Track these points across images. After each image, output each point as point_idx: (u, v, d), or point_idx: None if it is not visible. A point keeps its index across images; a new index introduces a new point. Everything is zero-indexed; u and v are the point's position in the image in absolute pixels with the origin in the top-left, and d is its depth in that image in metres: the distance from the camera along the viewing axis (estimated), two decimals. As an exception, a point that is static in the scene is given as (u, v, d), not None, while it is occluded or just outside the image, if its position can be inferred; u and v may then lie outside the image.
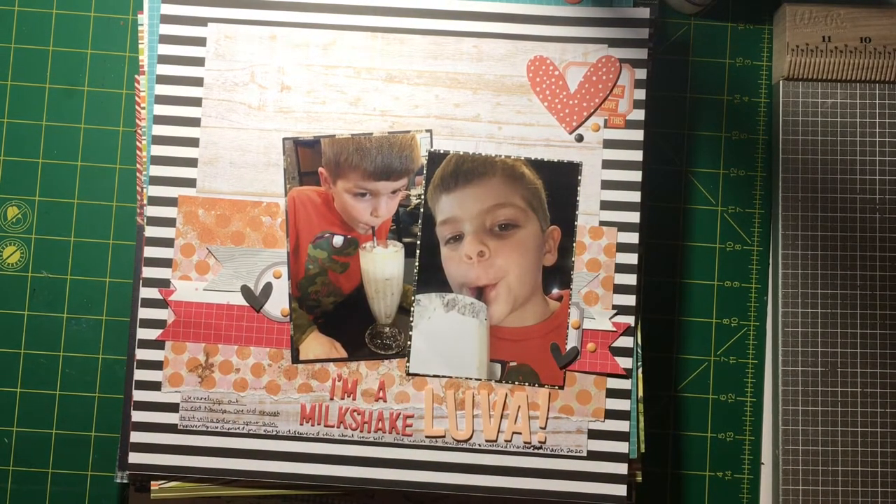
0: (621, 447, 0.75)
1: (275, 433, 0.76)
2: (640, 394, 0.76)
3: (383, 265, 0.77)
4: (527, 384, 0.76)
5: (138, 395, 0.76)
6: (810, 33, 0.79)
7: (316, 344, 0.76)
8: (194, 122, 0.77)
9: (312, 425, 0.76)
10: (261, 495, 0.76)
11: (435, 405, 0.76)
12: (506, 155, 0.77)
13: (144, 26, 0.78)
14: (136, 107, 0.79)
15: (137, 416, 0.76)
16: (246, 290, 0.76)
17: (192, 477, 0.76)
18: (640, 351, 0.76)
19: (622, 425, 0.75)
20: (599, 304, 0.76)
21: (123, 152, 0.81)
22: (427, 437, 0.76)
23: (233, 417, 0.76)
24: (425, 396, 0.76)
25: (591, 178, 0.77)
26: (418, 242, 0.77)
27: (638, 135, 0.77)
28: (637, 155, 0.77)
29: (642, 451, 0.76)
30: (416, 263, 0.76)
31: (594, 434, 0.76)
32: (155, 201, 0.77)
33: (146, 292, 0.76)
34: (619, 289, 0.76)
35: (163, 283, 0.76)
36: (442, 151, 0.77)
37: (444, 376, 0.76)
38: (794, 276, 0.78)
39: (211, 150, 0.77)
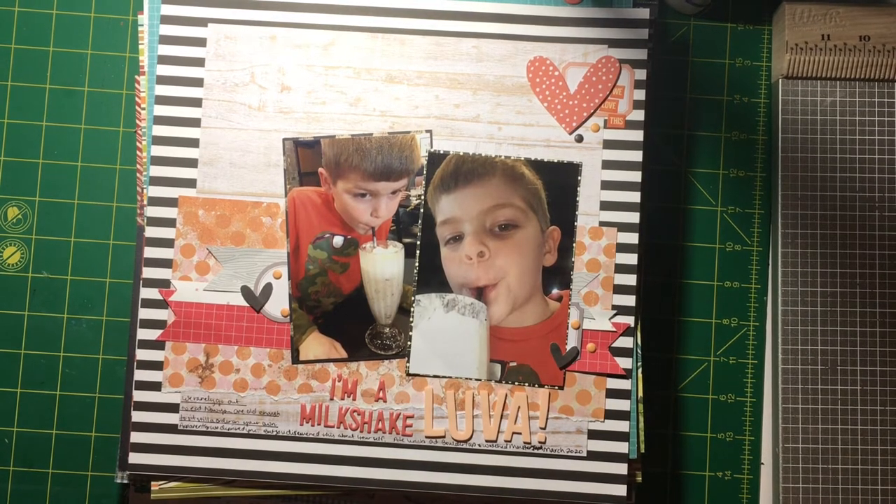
0: (621, 447, 0.75)
1: (275, 433, 0.76)
2: (640, 394, 0.76)
3: (383, 265, 0.77)
4: (527, 384, 0.76)
5: (138, 396, 0.76)
6: (809, 32, 0.79)
7: (316, 344, 0.76)
8: (194, 122, 0.77)
9: (312, 425, 0.76)
10: (261, 495, 0.76)
11: (435, 405, 0.76)
12: (506, 155, 0.77)
13: (144, 27, 0.78)
14: (136, 107, 0.79)
15: (137, 416, 0.76)
16: (246, 291, 0.76)
17: (192, 477, 0.76)
18: (639, 351, 0.76)
19: (622, 425, 0.75)
20: (599, 304, 0.76)
21: (123, 153, 0.82)
22: (427, 437, 0.76)
23: (233, 418, 0.76)
24: (425, 397, 0.76)
25: (590, 179, 0.77)
26: (418, 243, 0.77)
27: (638, 135, 0.77)
28: (637, 155, 0.77)
29: (642, 451, 0.76)
30: (416, 264, 0.76)
31: (594, 434, 0.76)
32: (155, 202, 0.77)
33: (146, 293, 0.76)
34: (619, 289, 0.76)
35: (163, 284, 0.76)
36: (442, 152, 0.77)
37: (444, 376, 0.76)
38: (794, 275, 0.78)
39: (211, 151, 0.77)
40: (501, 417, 0.76)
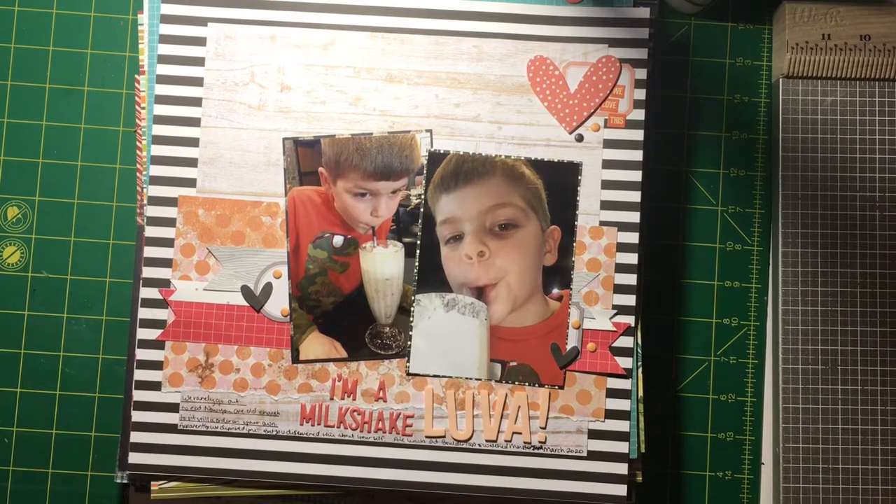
0: (621, 447, 0.75)
1: (275, 433, 0.76)
2: (640, 394, 0.76)
3: (383, 265, 0.77)
4: (527, 384, 0.76)
5: (138, 395, 0.76)
6: (810, 31, 0.79)
7: (316, 344, 0.76)
8: (194, 121, 0.77)
9: (312, 425, 0.76)
10: (261, 495, 0.76)
11: (435, 405, 0.76)
12: (506, 155, 0.77)
13: (144, 26, 0.78)
14: (136, 107, 0.79)
15: (137, 416, 0.76)
16: (246, 290, 0.76)
17: (192, 477, 0.76)
18: (640, 351, 0.76)
19: (622, 425, 0.75)
20: (599, 304, 0.76)
21: (123, 152, 0.82)
22: (427, 437, 0.76)
23: (233, 417, 0.76)
24: (425, 396, 0.76)
25: (591, 178, 0.77)
26: (418, 242, 0.77)
27: (638, 135, 0.77)
28: (637, 155, 0.77)
29: (642, 451, 0.76)
30: (416, 263, 0.76)
31: (594, 434, 0.76)
32: (155, 201, 0.77)
33: (146, 292, 0.76)
34: (619, 289, 0.76)
35: (163, 283, 0.76)
36: (442, 151, 0.77)
37: (444, 376, 0.76)
38: (794, 274, 0.78)
39: (211, 150, 0.77)
40: (501, 417, 0.76)
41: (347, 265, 0.77)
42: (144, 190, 0.77)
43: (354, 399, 0.76)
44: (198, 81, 0.77)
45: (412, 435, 0.76)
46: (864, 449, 0.77)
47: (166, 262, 0.76)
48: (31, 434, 0.80)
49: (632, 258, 0.76)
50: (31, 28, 0.82)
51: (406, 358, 0.76)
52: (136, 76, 0.79)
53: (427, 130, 0.77)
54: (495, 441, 0.76)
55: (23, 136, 0.81)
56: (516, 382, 0.76)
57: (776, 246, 0.79)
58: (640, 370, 0.76)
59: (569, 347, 0.76)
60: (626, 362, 0.76)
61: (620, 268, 0.76)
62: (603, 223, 0.76)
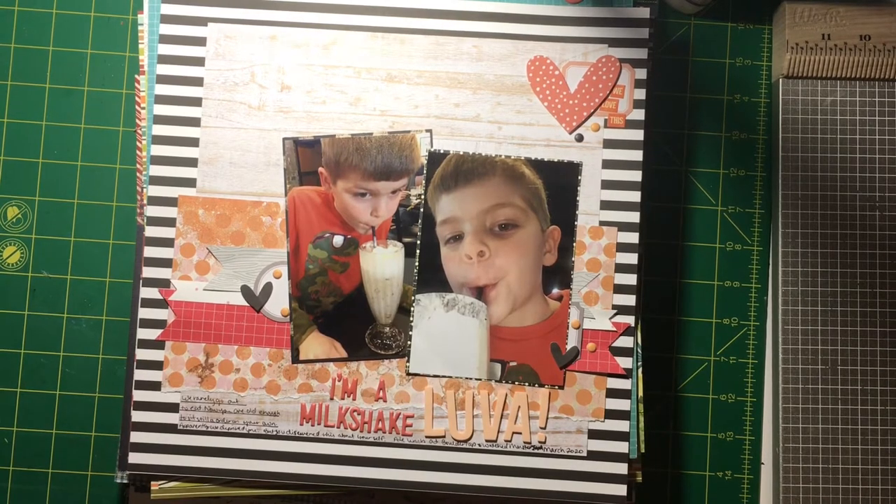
0: (621, 447, 0.75)
1: (275, 433, 0.76)
2: (640, 394, 0.76)
3: (383, 265, 0.77)
4: (527, 384, 0.76)
5: (138, 395, 0.76)
6: (810, 31, 0.79)
7: (316, 344, 0.76)
8: (194, 121, 0.77)
9: (312, 425, 0.76)
10: (261, 495, 0.76)
11: (435, 405, 0.76)
12: (506, 155, 0.77)
13: (144, 26, 0.78)
14: (136, 107, 0.79)
15: (137, 416, 0.76)
16: (246, 290, 0.76)
17: (192, 477, 0.76)
18: (640, 351, 0.76)
19: (622, 425, 0.75)
20: (599, 304, 0.76)
21: (123, 152, 0.82)
22: (427, 437, 0.76)
23: (233, 417, 0.76)
24: (425, 396, 0.76)
25: (591, 178, 0.77)
26: (418, 242, 0.77)
27: (638, 135, 0.77)
28: (637, 155, 0.77)
29: (642, 451, 0.76)
30: (416, 263, 0.76)
31: (594, 434, 0.76)
32: (155, 201, 0.77)
33: (146, 292, 0.76)
34: (619, 289, 0.76)
35: (163, 283, 0.76)
36: (442, 151, 0.77)
37: (444, 376, 0.76)
38: (794, 274, 0.78)
39: (211, 150, 0.77)
40: (501, 417, 0.76)
41: (347, 265, 0.77)
42: (144, 190, 0.77)
43: (354, 399, 0.76)
44: (198, 81, 0.77)
45: (412, 435, 0.76)
46: (864, 449, 0.77)
47: (166, 262, 0.76)
48: (31, 434, 0.80)
49: (632, 258, 0.76)
50: (31, 28, 0.82)
51: (406, 358, 0.76)
52: (136, 76, 0.79)
53: (427, 130, 0.77)
54: (495, 441, 0.76)
55: (23, 136, 0.81)
56: (516, 382, 0.76)
57: (776, 246, 0.79)
58: (640, 370, 0.76)
59: (569, 347, 0.76)
60: (626, 362, 0.76)
61: (620, 268, 0.76)
62: (603, 223, 0.76)
